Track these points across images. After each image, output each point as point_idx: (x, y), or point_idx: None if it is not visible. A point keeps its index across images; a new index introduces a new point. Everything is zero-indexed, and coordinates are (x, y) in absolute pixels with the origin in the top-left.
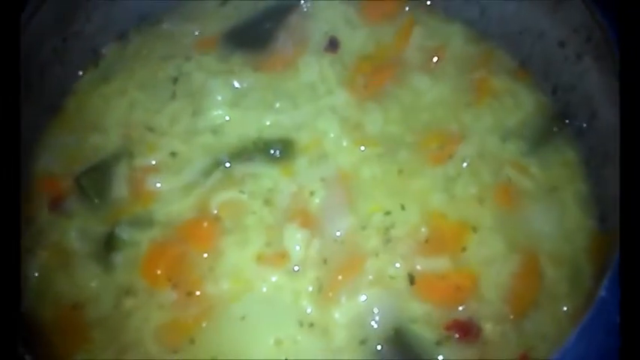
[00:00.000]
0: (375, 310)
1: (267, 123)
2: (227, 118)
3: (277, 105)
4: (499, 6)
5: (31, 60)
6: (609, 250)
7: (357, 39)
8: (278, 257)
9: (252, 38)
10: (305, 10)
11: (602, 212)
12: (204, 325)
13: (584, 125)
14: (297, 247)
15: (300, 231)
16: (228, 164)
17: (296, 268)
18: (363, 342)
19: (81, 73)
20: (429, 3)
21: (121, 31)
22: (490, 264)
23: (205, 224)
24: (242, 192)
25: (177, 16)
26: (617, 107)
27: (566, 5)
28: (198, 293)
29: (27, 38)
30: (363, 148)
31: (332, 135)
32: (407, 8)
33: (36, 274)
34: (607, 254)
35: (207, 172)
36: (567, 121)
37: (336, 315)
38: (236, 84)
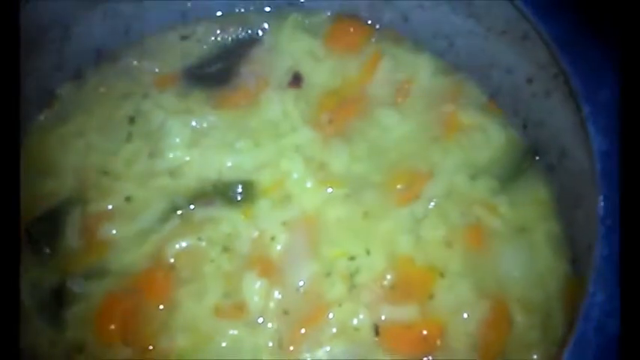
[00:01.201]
0: None
1: (228, 164)
2: (186, 159)
3: (238, 145)
4: (467, 39)
5: None
6: (581, 295)
7: (321, 73)
8: (236, 309)
9: (214, 74)
10: (268, 43)
11: (574, 254)
12: None
13: (555, 163)
14: (256, 298)
15: (259, 280)
16: (186, 208)
17: (258, 320)
18: None
19: (35, 114)
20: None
21: (77, 70)
22: (458, 312)
23: (161, 274)
24: (200, 239)
25: (137, 52)
26: (587, 149)
27: (531, 43)
28: (152, 349)
29: None
30: (330, 189)
31: (295, 175)
32: (373, 39)
33: None
34: (579, 299)
35: (163, 218)
36: (537, 157)
37: None
38: (195, 124)
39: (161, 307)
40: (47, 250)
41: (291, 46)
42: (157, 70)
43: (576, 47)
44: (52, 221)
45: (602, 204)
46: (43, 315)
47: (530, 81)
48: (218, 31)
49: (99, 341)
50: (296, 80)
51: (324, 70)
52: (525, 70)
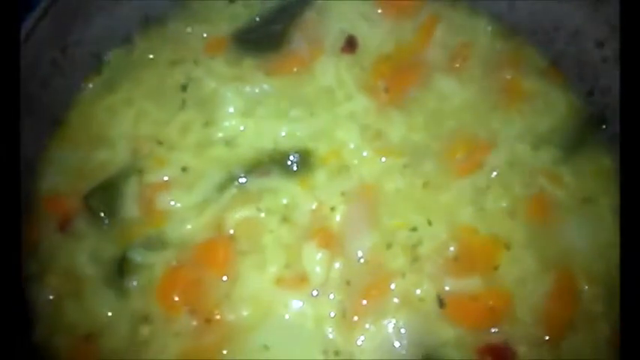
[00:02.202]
0: (403, 335)
1: (283, 133)
2: (241, 128)
3: (293, 113)
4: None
5: (30, 72)
6: None
7: (376, 37)
8: (298, 280)
9: (264, 39)
10: (319, 5)
11: None
12: (224, 352)
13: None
14: (318, 269)
15: (320, 251)
16: (243, 179)
17: (316, 292)
18: None
19: (84, 83)
20: None
21: (125, 35)
22: (523, 283)
23: (221, 245)
24: (258, 209)
25: (184, 16)
26: None
27: (606, 3)
28: (217, 319)
29: (26, 51)
30: (384, 159)
31: (352, 145)
32: (429, 1)
33: (50, 298)
34: None
35: (221, 188)
36: (604, 126)
37: (362, 341)
38: (248, 91)
39: (224, 278)
40: (106, 221)
41: (344, 8)
42: (205, 34)
43: None
44: (110, 191)
45: None
46: (105, 285)
47: (600, 45)
48: None
49: (163, 312)
50: (350, 45)
51: (379, 34)
52: (596, 32)
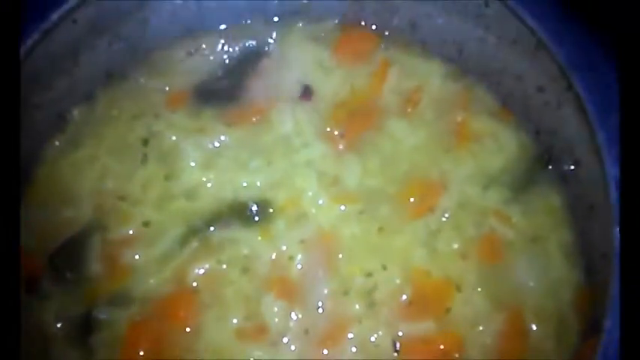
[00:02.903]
0: None
1: (244, 184)
2: (202, 179)
3: (252, 164)
4: (477, 45)
5: None
6: (595, 303)
7: (331, 84)
8: (258, 331)
9: (224, 90)
10: (276, 55)
11: (587, 264)
12: None
13: (568, 170)
14: (277, 320)
15: (279, 302)
16: (204, 231)
17: (276, 342)
18: None
19: (49, 142)
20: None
21: (87, 92)
22: (475, 324)
23: (184, 299)
24: (219, 261)
25: (145, 70)
26: (600, 158)
27: (543, 54)
28: None
29: None
30: (343, 207)
31: (310, 193)
32: (382, 46)
33: None
34: (593, 308)
35: (183, 241)
36: (550, 166)
37: None
38: (209, 144)
39: (187, 329)
40: (71, 279)
41: (300, 56)
42: (166, 88)
43: (589, 70)
44: (74, 249)
45: (617, 236)
46: (70, 342)
47: (541, 89)
48: (223, 44)
49: None
50: (306, 93)
51: (334, 81)
52: (536, 79)
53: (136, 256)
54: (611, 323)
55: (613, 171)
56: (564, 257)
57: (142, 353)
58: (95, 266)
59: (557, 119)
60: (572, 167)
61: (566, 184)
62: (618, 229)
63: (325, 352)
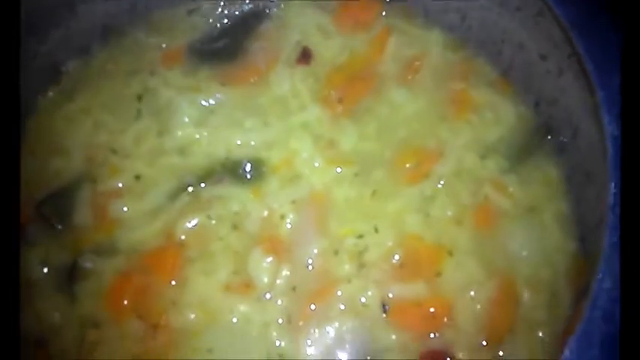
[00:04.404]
0: (347, 340)
1: (237, 142)
2: (195, 137)
3: (247, 123)
4: (480, 13)
5: None
6: (588, 274)
7: (330, 49)
8: (245, 286)
9: (221, 50)
10: (276, 18)
11: (582, 234)
12: (170, 357)
13: (567, 141)
14: (264, 275)
15: (267, 258)
16: (195, 187)
17: (263, 297)
18: None
19: (42, 93)
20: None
21: (84, 46)
22: (466, 290)
23: (171, 252)
24: (209, 217)
25: (143, 27)
26: (598, 126)
27: (545, 21)
28: (164, 324)
29: None
30: (339, 169)
31: (304, 154)
32: (383, 13)
33: None
34: (586, 279)
35: (173, 196)
36: (549, 136)
37: (307, 346)
38: (203, 102)
39: (173, 282)
40: (59, 227)
41: (300, 20)
42: (163, 45)
43: (591, 31)
44: (63, 199)
45: (613, 191)
46: (55, 290)
47: (543, 57)
48: (224, 5)
49: (112, 317)
50: (305, 56)
51: (334, 46)
52: (539, 46)
53: (125, 209)
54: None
55: (612, 129)
56: (559, 227)
57: (125, 303)
58: (83, 216)
59: (558, 87)
60: (571, 136)
61: (564, 154)
62: (613, 184)
63: (312, 307)
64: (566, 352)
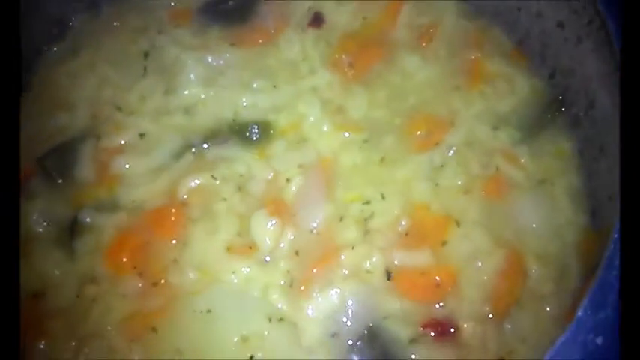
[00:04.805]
0: (349, 306)
1: (244, 103)
2: (201, 96)
3: (255, 84)
4: None
5: None
6: (599, 248)
7: (343, 14)
8: (248, 247)
9: (231, 11)
10: None
11: (593, 208)
12: (167, 315)
13: (581, 114)
14: (267, 237)
15: (271, 220)
16: (200, 147)
17: (265, 260)
18: (334, 338)
19: (47, 47)
20: None
21: (91, 1)
22: (472, 260)
23: (173, 211)
24: (213, 177)
25: None
26: (615, 97)
27: None
28: (163, 282)
29: None
30: (347, 134)
31: (312, 119)
32: None
33: None
34: (596, 253)
35: (177, 155)
36: (563, 108)
37: (308, 310)
38: (210, 60)
39: (173, 241)
40: (59, 181)
41: None
42: (172, 3)
43: None
44: (66, 153)
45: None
46: (55, 245)
47: (561, 25)
48: None
49: (111, 273)
50: (316, 20)
51: (346, 12)
52: (556, 14)
53: (127, 166)
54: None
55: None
56: (570, 201)
57: (125, 260)
58: (85, 171)
59: (575, 57)
60: (586, 109)
61: (578, 127)
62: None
63: (315, 271)
64: (580, 312)
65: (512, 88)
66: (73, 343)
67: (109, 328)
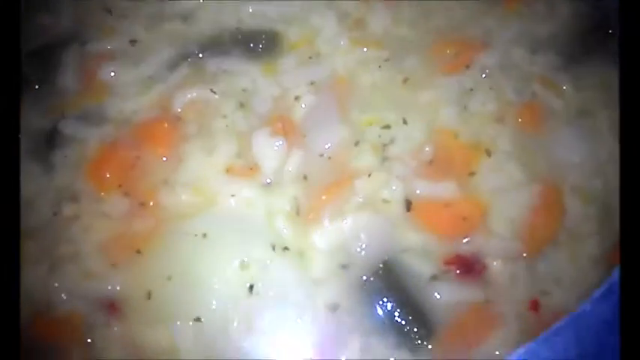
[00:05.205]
0: (363, 237)
1: (250, 10)
2: (201, 0)
3: None
4: None
5: None
6: None
7: None
8: (249, 169)
9: None
10: None
11: None
12: (156, 238)
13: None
14: (271, 158)
15: (276, 140)
16: (199, 57)
17: (269, 183)
18: (344, 270)
19: None
20: None
21: None
22: (504, 193)
23: (166, 125)
24: (212, 91)
25: None
26: None
27: None
28: (152, 203)
29: None
30: (363, 49)
31: (328, 32)
32: None
33: None
34: None
35: (172, 65)
36: (611, 31)
37: (316, 239)
38: None
39: (164, 159)
40: (37, 87)
41: None
42: None
43: None
44: (47, 57)
45: None
46: (30, 157)
47: None
48: None
49: (92, 191)
50: None
51: None
52: None
53: (114, 74)
54: None
55: None
56: (615, 135)
57: (109, 176)
58: (68, 78)
59: None
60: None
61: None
62: None
63: (325, 198)
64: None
65: (552, 10)
66: (47, 266)
67: (88, 250)
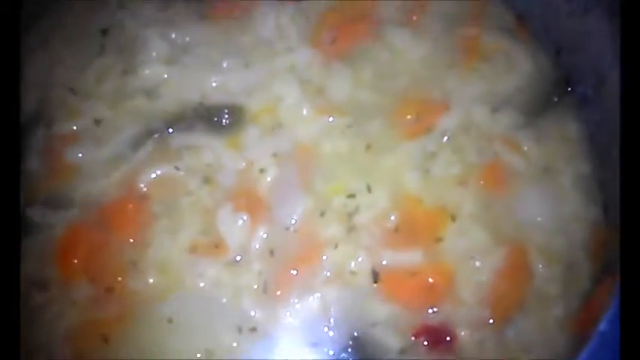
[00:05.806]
0: (332, 313)
1: (213, 84)
2: (164, 77)
3: (225, 63)
4: None
5: None
6: (611, 245)
7: None
8: (215, 247)
9: None
10: None
11: (605, 200)
12: (122, 325)
13: (590, 93)
14: (236, 235)
15: (240, 216)
16: (163, 133)
17: (235, 261)
18: (314, 349)
19: None
20: None
21: None
22: (469, 259)
23: (132, 206)
24: (177, 168)
25: None
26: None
27: None
28: (120, 288)
29: None
30: (325, 118)
31: (289, 101)
32: None
33: None
34: (608, 250)
35: (136, 143)
36: (570, 88)
37: (284, 318)
38: (175, 37)
39: (131, 240)
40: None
41: None
42: None
43: None
44: None
45: None
46: None
47: None
48: None
49: (61, 278)
50: None
51: None
52: None
53: (82, 155)
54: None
55: None
56: (579, 192)
57: (76, 262)
58: (33, 162)
59: (582, 30)
60: (595, 88)
61: (587, 109)
62: None
63: (294, 273)
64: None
65: (513, 67)
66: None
67: (58, 339)
